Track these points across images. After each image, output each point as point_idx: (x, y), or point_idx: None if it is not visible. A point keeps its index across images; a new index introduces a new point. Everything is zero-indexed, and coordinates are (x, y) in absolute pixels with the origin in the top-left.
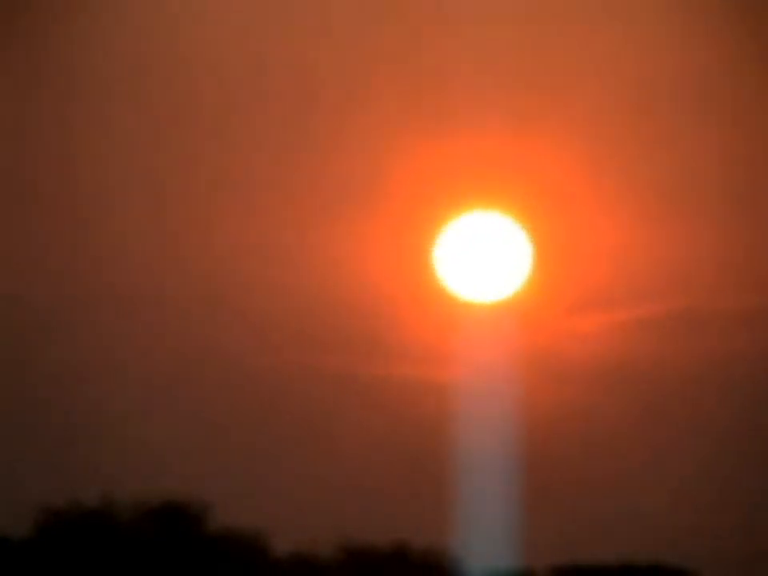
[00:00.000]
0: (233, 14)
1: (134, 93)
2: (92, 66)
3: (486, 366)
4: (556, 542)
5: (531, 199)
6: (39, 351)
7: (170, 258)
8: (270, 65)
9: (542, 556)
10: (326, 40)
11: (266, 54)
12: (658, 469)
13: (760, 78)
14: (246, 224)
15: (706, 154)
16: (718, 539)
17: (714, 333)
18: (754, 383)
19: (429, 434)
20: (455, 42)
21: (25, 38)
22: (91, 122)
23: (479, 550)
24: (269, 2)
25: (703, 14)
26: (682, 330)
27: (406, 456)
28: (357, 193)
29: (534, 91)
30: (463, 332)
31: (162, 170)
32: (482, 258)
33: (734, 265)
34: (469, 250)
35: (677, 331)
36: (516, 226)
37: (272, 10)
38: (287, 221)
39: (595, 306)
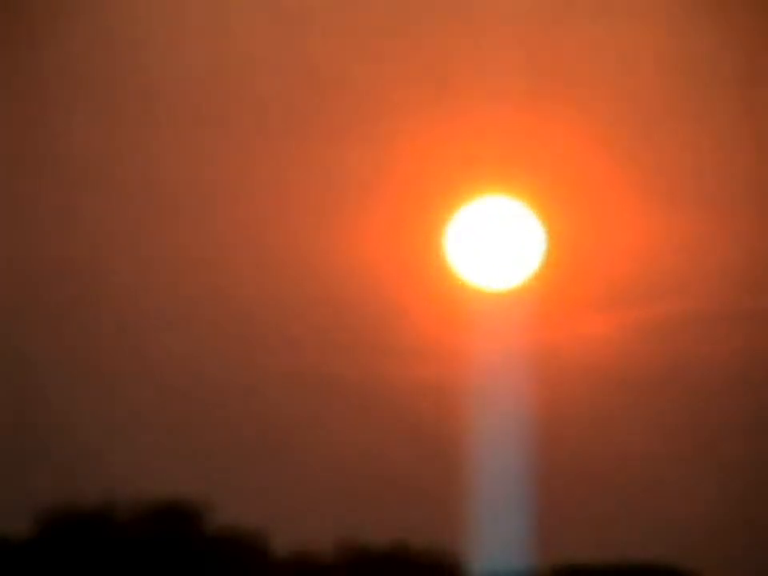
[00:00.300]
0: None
1: (134, 91)
2: (89, 67)
3: (495, 361)
4: (563, 542)
5: (545, 184)
6: (38, 351)
7: (165, 255)
8: (267, 52)
9: (549, 556)
10: (323, 18)
11: (262, 42)
12: (670, 472)
13: None
14: (243, 217)
15: (740, 141)
16: (719, 539)
17: (738, 334)
18: None
19: (435, 433)
20: (463, 18)
21: (24, 38)
22: (90, 122)
23: (485, 550)
24: None
25: None
26: (705, 331)
27: (411, 456)
28: (360, 181)
29: (550, 68)
30: (472, 325)
31: (159, 162)
32: (493, 246)
33: (764, 263)
34: (479, 238)
35: (699, 332)
36: (529, 212)
37: None
38: (287, 213)
39: (612, 302)
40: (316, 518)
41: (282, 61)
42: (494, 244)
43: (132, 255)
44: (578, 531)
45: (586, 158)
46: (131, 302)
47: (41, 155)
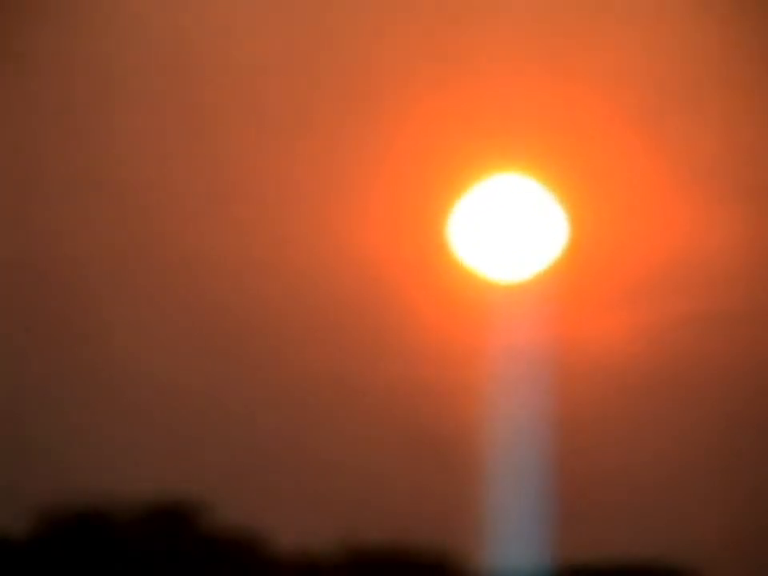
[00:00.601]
0: None
1: (135, 84)
2: (90, 62)
3: (507, 359)
4: (574, 543)
5: (566, 163)
6: (37, 351)
7: (162, 253)
8: (267, 26)
9: (558, 556)
10: None
11: (262, 15)
12: (688, 473)
13: None
14: (235, 212)
15: None
16: (735, 540)
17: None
18: None
19: (443, 433)
20: None
21: (24, 32)
22: (92, 115)
23: (493, 551)
24: None
25: None
26: (735, 331)
27: (419, 457)
28: (359, 160)
29: (571, 26)
30: (483, 320)
31: (160, 151)
32: (507, 232)
33: None
34: (491, 223)
35: (728, 332)
36: (547, 194)
37: None
38: (281, 198)
39: (637, 297)
40: (318, 518)
41: (280, 36)
42: (508, 230)
43: (128, 255)
44: (591, 531)
45: (611, 136)
46: (129, 302)
47: (32, 152)
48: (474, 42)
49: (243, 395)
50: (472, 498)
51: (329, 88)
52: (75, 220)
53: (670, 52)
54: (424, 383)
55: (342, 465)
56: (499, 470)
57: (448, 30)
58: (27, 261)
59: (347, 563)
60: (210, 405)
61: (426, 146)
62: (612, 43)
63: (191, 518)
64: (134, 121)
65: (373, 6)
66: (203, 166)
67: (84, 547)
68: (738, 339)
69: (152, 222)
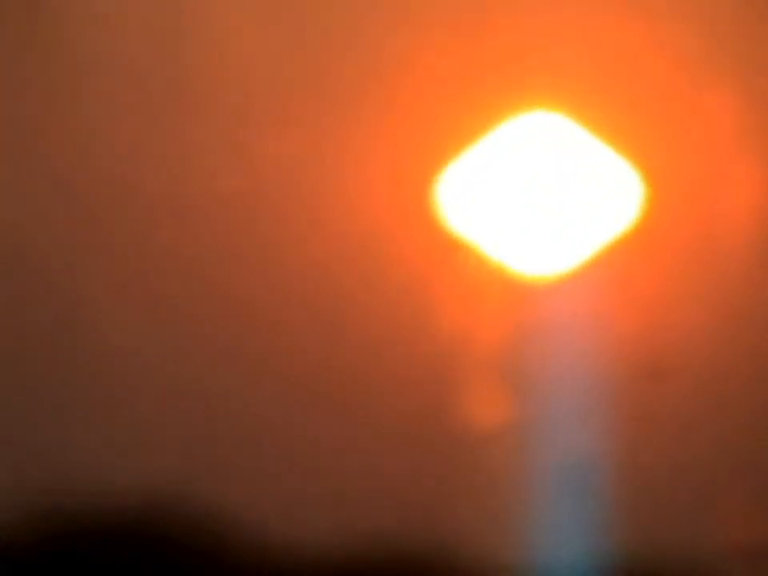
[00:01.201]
0: None
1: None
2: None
3: (554, 354)
4: (633, 538)
5: (625, 113)
6: (33, 346)
7: (158, 242)
8: None
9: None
10: None
11: None
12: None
13: None
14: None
15: None
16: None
17: None
18: None
19: (448, 427)
20: None
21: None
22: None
23: (530, 551)
24: None
25: None
26: None
27: (427, 456)
28: (364, 106)
29: None
30: (520, 310)
31: (153, 97)
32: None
33: None
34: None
35: None
36: (615, 154)
37: None
38: (279, 170)
39: (717, 281)
40: (329, 516)
41: None
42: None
43: (123, 250)
44: (653, 529)
45: (673, 79)
46: (126, 296)
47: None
48: None
49: (243, 391)
50: (515, 498)
51: (324, 40)
52: (69, 214)
53: None
54: (438, 380)
55: (352, 464)
56: (534, 470)
57: None
58: (18, 254)
59: (356, 563)
60: (210, 403)
61: (448, 93)
62: None
63: (192, 517)
64: (123, 110)
65: None
66: (196, 126)
67: (82, 546)
68: None
69: (147, 216)
